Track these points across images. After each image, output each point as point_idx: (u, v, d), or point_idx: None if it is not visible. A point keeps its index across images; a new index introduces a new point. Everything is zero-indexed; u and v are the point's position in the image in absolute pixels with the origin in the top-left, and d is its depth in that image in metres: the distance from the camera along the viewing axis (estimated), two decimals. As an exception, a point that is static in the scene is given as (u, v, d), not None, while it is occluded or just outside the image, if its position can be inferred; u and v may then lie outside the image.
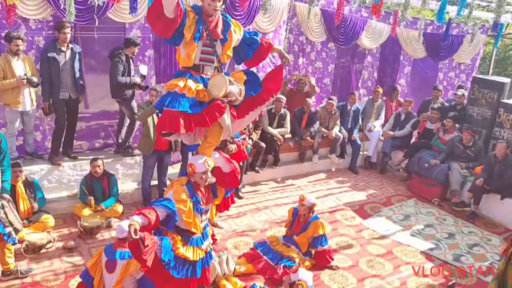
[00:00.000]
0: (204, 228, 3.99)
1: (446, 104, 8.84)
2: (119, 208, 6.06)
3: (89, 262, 4.32)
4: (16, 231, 4.56)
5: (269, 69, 8.02)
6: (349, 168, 8.66)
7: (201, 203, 3.89)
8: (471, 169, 7.28)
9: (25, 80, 5.66)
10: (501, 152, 6.65)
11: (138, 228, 3.43)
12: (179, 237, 3.92)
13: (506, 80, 7.82)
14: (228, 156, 3.97)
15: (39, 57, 6.00)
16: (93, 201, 5.87)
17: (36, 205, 5.47)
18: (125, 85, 6.37)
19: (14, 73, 5.65)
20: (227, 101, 3.67)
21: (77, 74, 6.20)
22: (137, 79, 6.43)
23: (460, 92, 8.53)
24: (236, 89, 3.71)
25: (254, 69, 4.30)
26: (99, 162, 5.88)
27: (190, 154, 6.04)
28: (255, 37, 3.86)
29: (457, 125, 7.86)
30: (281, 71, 3.96)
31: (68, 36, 5.91)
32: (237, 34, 3.84)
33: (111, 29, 6.56)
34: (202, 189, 3.93)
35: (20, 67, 5.73)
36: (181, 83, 3.69)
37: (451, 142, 7.58)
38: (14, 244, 4.64)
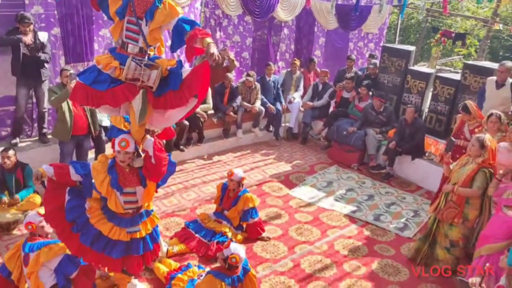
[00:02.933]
0: (135, 213, 3.82)
1: (360, 73, 9.28)
2: (37, 199, 5.65)
3: (6, 255, 4.03)
4: None
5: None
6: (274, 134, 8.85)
7: (119, 180, 3.69)
8: (384, 133, 7.77)
9: None
10: (410, 116, 7.15)
11: (42, 174, 3.66)
12: (101, 208, 3.77)
13: (412, 48, 8.37)
14: (161, 145, 3.70)
15: None
16: (6, 199, 5.41)
17: None
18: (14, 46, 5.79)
19: None
20: (139, 86, 3.46)
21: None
22: (27, 40, 5.78)
23: (372, 63, 8.98)
24: (148, 73, 3.41)
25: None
26: (10, 153, 5.41)
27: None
28: (185, 25, 3.34)
29: (370, 93, 8.31)
30: (205, 69, 3.40)
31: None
32: (163, 16, 3.40)
33: (9, 6, 5.96)
34: (126, 170, 3.72)
35: None
36: (99, 57, 3.54)
37: (365, 109, 8.00)
38: None
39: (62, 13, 6.31)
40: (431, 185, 6.88)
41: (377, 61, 9.06)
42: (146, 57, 3.49)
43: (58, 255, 3.77)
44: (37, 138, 6.51)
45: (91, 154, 6.48)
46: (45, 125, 6.44)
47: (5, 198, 5.42)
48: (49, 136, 6.44)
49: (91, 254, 3.74)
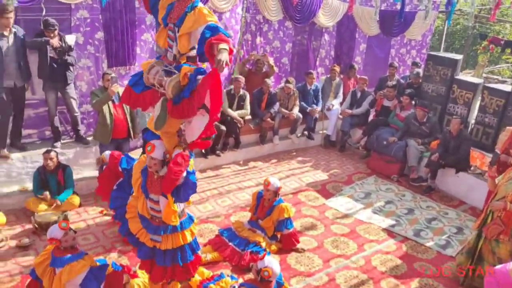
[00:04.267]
0: (161, 223, 3.76)
1: (402, 81, 9.00)
2: (76, 200, 5.79)
3: (36, 260, 4.08)
4: None
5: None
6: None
7: (147, 184, 3.69)
8: (427, 144, 7.48)
9: None
10: (455, 127, 6.85)
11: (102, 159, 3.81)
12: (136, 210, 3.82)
13: (458, 57, 8.03)
14: (182, 159, 3.64)
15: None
16: (48, 196, 5.57)
17: None
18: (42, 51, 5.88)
19: None
20: (160, 92, 3.44)
21: (22, 60, 5.78)
22: (55, 43, 5.85)
23: (415, 72, 8.69)
24: (166, 80, 3.32)
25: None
26: (52, 154, 5.56)
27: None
28: (207, 31, 3.17)
29: (413, 102, 8.03)
30: (213, 77, 3.12)
31: (11, 20, 5.47)
32: (190, 23, 3.29)
33: (56, 10, 6.13)
34: (154, 176, 3.71)
35: None
36: (144, 62, 3.59)
37: (407, 119, 7.74)
38: None
39: (106, 17, 6.43)
40: (476, 200, 6.57)
41: (421, 70, 8.76)
42: (174, 64, 3.45)
43: (81, 273, 3.81)
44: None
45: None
46: (80, 128, 6.55)
47: (47, 193, 5.56)
48: (89, 138, 6.57)
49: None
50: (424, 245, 5.64)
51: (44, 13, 5.88)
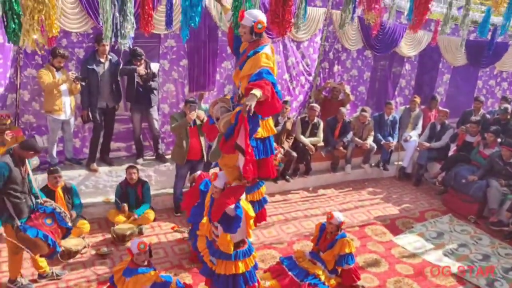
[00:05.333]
0: (218, 248, 4.10)
1: (488, 116, 8.51)
2: (151, 215, 6.24)
3: (115, 268, 4.52)
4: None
5: (302, 78, 8.05)
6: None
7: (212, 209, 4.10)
8: (511, 186, 6.98)
9: (75, 76, 5.92)
10: (543, 171, 6.34)
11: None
12: None
13: (553, 94, 7.44)
14: (230, 192, 3.91)
15: (79, 67, 6.23)
16: (126, 208, 6.08)
17: (74, 213, 5.70)
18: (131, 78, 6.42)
19: (56, 83, 5.92)
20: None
21: (115, 84, 6.42)
22: (141, 71, 6.36)
23: (503, 108, 8.18)
24: (222, 117, 3.68)
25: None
26: (134, 169, 6.08)
27: None
28: (255, 75, 3.48)
29: (498, 140, 7.55)
30: (242, 122, 3.43)
31: (107, 48, 6.13)
32: (249, 66, 3.60)
33: (147, 38, 6.72)
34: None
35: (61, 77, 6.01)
36: None
37: (491, 158, 7.29)
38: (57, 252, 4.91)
39: (191, 46, 6.91)
40: None
41: (510, 106, 8.22)
42: (236, 103, 3.72)
43: (144, 285, 4.14)
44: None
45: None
46: (159, 146, 7.04)
47: (125, 205, 6.06)
48: (167, 157, 7.05)
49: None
50: (496, 296, 5.28)
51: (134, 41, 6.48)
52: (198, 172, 5.74)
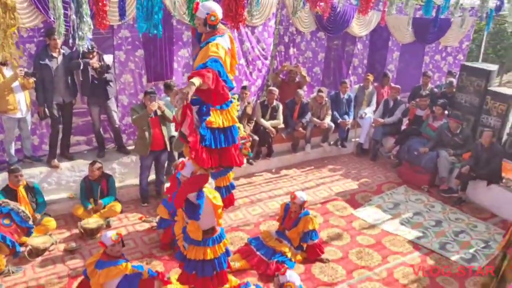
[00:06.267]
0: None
1: (436, 90, 8.97)
2: (118, 207, 6.27)
3: (87, 261, 4.56)
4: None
5: (258, 62, 8.19)
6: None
7: None
8: (459, 156, 7.47)
9: (24, 72, 5.78)
10: (487, 140, 6.82)
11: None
12: None
13: (493, 67, 7.94)
14: (189, 182, 4.04)
15: (31, 63, 6.09)
16: (92, 206, 6.09)
17: (38, 215, 5.65)
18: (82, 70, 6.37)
19: (6, 83, 5.78)
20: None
21: (69, 79, 6.32)
22: (95, 64, 6.30)
23: (449, 81, 8.65)
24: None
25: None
26: (96, 166, 6.06)
27: None
28: (202, 64, 3.58)
29: (446, 112, 8.01)
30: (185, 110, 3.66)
31: (59, 42, 6.00)
32: (200, 57, 3.71)
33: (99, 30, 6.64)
34: None
35: (10, 73, 5.87)
36: None
37: (440, 130, 7.74)
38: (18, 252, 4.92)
39: (145, 36, 6.86)
40: (508, 213, 6.55)
41: (455, 79, 8.70)
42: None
43: (116, 277, 4.24)
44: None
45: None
46: (121, 138, 7.04)
47: (91, 206, 6.07)
48: (130, 148, 7.05)
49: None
50: (449, 259, 5.72)
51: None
52: (180, 160, 5.75)
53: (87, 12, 4.47)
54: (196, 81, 3.36)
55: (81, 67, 6.28)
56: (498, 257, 4.86)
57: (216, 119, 3.81)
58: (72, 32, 4.41)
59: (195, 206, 3.91)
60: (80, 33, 4.34)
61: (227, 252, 4.45)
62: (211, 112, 3.80)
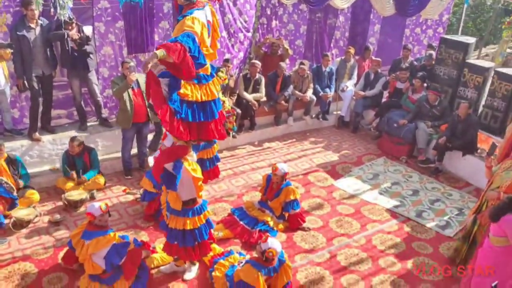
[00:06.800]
0: None
1: (416, 63, 9.09)
2: (101, 180, 6.30)
3: (72, 233, 4.65)
4: None
5: (240, 34, 8.15)
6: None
7: None
8: (436, 127, 7.66)
9: None
10: (462, 112, 7.00)
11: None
12: None
13: (471, 40, 8.07)
14: (168, 151, 4.17)
15: (8, 34, 5.97)
16: (75, 175, 6.10)
17: (21, 182, 5.68)
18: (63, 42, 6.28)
19: None
20: None
21: (49, 50, 6.22)
22: (74, 35, 6.21)
23: (428, 54, 8.77)
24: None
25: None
26: (75, 142, 6.01)
27: None
28: (173, 38, 3.64)
29: (425, 85, 8.16)
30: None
31: (36, 12, 5.87)
32: (176, 30, 3.75)
33: (79, 1, 6.51)
34: None
35: None
36: None
37: (418, 102, 7.90)
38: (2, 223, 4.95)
39: (126, 7, 6.76)
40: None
41: (434, 52, 8.83)
42: None
43: (105, 247, 4.31)
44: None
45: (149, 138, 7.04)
46: (103, 111, 7.00)
47: (73, 173, 6.09)
48: (112, 121, 7.03)
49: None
50: (425, 226, 5.95)
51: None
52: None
53: None
54: (160, 52, 3.43)
55: (65, 38, 6.16)
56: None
57: (193, 93, 3.82)
58: (52, 1, 4.32)
59: (172, 176, 3.98)
60: (61, 1, 4.26)
61: (209, 224, 4.54)
62: (188, 86, 3.81)
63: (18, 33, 5.85)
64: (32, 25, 5.97)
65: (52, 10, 4.49)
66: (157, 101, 3.70)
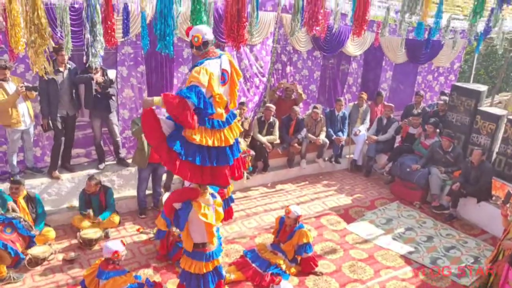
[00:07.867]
0: None
1: (428, 109, 9.23)
2: (116, 219, 6.40)
3: (85, 272, 4.70)
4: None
5: (256, 79, 8.41)
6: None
7: None
8: (450, 173, 7.67)
9: (24, 88, 5.95)
10: (476, 158, 7.03)
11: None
12: None
13: (482, 88, 8.20)
14: (178, 191, 4.34)
15: (37, 77, 6.27)
16: (92, 214, 6.21)
17: (36, 231, 5.68)
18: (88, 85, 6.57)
19: (8, 102, 5.95)
20: None
21: (74, 93, 6.51)
22: (99, 79, 6.51)
23: (442, 100, 8.91)
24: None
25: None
26: (93, 181, 6.16)
27: None
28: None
29: (438, 131, 8.25)
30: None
31: (66, 57, 6.20)
32: (188, 81, 3.87)
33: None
34: None
35: (13, 87, 6.02)
36: None
37: (432, 147, 7.96)
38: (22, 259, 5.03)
39: (148, 53, 7.06)
40: (497, 230, 6.65)
41: (447, 98, 8.97)
42: None
43: (121, 287, 4.34)
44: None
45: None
46: (121, 151, 7.18)
47: (90, 211, 6.20)
48: (129, 161, 7.20)
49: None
50: (441, 273, 5.86)
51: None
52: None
53: (101, 32, 4.69)
54: (156, 98, 3.69)
55: (91, 81, 6.46)
56: (486, 272, 5.02)
57: (204, 137, 3.81)
58: (86, 49, 4.63)
59: (179, 216, 4.08)
60: (93, 50, 4.55)
61: (218, 274, 4.49)
62: (199, 130, 3.81)
63: (47, 76, 6.15)
64: (61, 69, 6.29)
65: (84, 57, 4.80)
66: (152, 137, 3.83)
